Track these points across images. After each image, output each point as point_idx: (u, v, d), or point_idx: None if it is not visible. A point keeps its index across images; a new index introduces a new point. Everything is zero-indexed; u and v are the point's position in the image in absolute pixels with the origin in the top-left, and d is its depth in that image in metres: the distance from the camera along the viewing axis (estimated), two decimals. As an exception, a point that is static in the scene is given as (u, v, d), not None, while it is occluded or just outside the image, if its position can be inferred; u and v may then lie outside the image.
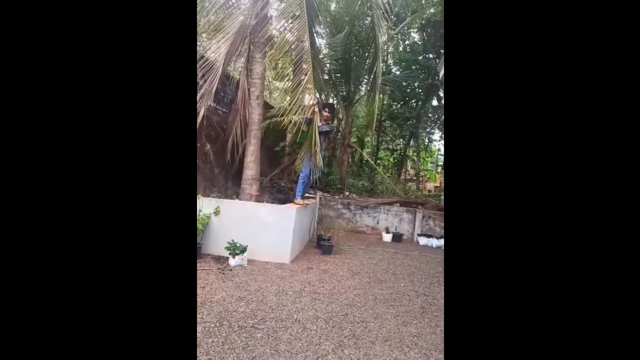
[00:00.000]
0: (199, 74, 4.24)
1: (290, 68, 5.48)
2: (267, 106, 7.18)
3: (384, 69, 8.45)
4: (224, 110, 6.06)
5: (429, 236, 6.19)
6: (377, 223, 6.75)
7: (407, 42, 10.43)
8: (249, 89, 4.96)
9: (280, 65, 6.43)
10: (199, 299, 2.63)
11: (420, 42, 9.99)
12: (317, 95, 4.65)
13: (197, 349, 1.92)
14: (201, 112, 4.10)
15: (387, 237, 6.12)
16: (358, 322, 2.51)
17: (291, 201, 5.32)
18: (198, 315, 2.35)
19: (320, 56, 8.17)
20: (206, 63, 4.36)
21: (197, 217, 3.85)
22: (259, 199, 5.04)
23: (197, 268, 3.41)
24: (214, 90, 4.15)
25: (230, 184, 6.40)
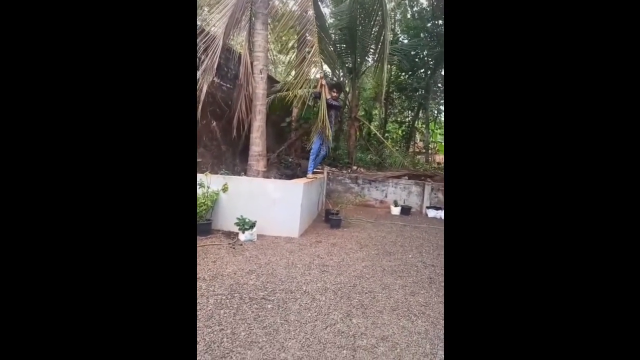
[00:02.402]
0: (201, 49, 4.15)
1: (294, 40, 5.33)
2: (272, 81, 7.06)
3: (391, 38, 8.13)
4: (228, 86, 5.97)
5: (437, 208, 6.18)
6: (386, 196, 6.75)
7: (415, 8, 9.99)
8: (252, 63, 4.85)
9: (284, 38, 6.24)
10: (210, 273, 2.70)
11: (428, 8, 9.56)
12: (324, 67, 4.53)
13: (210, 320, 1.99)
14: (204, 88, 4.05)
15: (396, 210, 6.14)
16: (366, 293, 2.56)
17: (298, 177, 5.33)
18: (210, 288, 2.42)
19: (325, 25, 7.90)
20: (207, 37, 4.26)
21: (206, 194, 3.89)
22: (266, 175, 5.06)
23: (208, 243, 3.49)
24: (215, 65, 4.07)
25: (237, 161, 6.42)
